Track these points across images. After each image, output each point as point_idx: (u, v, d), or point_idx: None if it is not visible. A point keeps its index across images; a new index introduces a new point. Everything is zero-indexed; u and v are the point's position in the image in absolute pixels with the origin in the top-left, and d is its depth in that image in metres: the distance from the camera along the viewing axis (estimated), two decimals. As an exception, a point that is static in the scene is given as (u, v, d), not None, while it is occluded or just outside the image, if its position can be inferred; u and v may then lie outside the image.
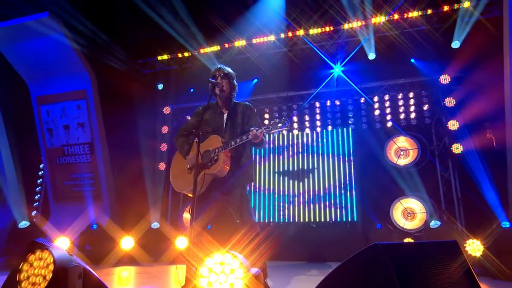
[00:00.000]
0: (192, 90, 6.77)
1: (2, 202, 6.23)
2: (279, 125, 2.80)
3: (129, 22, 6.27)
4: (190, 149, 3.16)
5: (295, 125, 6.21)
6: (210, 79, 3.13)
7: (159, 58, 6.74)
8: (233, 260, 1.59)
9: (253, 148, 3.23)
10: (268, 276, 3.91)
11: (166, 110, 6.60)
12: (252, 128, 2.83)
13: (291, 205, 5.86)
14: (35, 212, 6.38)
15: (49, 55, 6.07)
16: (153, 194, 6.11)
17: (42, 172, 6.76)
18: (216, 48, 6.40)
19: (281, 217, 5.88)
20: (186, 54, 6.54)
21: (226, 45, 6.37)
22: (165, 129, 6.55)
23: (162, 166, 6.40)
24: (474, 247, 4.01)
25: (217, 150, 2.97)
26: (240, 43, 6.27)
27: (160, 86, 6.86)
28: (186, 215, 6.22)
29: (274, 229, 5.67)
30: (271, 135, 6.12)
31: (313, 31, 5.94)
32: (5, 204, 6.22)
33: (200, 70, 6.62)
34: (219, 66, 3.22)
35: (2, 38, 5.89)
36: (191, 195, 3.18)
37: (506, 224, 3.87)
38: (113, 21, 6.13)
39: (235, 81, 3.22)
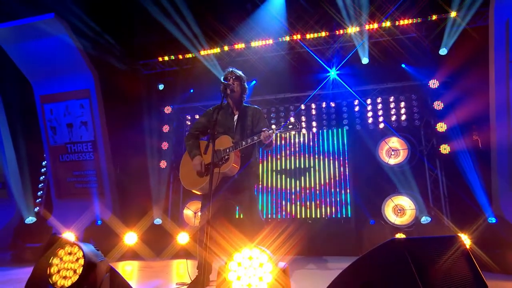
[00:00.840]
0: (192, 90, 6.81)
1: (6, 197, 6.20)
2: (290, 127, 2.89)
3: (132, 23, 6.29)
4: (199, 152, 3.21)
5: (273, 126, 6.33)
6: (223, 81, 3.20)
7: (160, 59, 6.76)
8: (262, 254, 1.67)
9: (260, 148, 3.32)
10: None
11: (167, 109, 6.64)
12: (263, 129, 2.90)
13: (288, 202, 5.98)
14: (37, 208, 6.35)
15: (54, 55, 6.04)
16: (155, 191, 6.15)
17: (45, 169, 6.73)
18: (216, 50, 6.45)
19: (279, 213, 5.99)
20: (187, 56, 6.58)
21: (226, 48, 6.44)
22: (166, 128, 6.58)
23: (163, 164, 6.44)
24: (461, 242, 4.18)
25: (228, 150, 3.03)
26: (239, 46, 6.34)
27: (161, 87, 6.89)
28: (187, 212, 6.28)
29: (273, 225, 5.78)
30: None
31: (310, 35, 6.05)
32: (9, 200, 6.19)
33: (199, 72, 6.67)
34: (231, 69, 3.29)
35: (7, 38, 5.84)
36: (199, 193, 3.27)
37: (492, 220, 4.05)
38: (117, 23, 6.15)
39: (245, 84, 3.30)
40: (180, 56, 6.56)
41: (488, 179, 4.60)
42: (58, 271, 1.92)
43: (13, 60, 6.11)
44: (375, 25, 5.73)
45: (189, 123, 6.88)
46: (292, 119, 2.97)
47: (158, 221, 5.73)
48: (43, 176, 6.71)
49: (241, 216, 3.24)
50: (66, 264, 1.92)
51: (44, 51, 6.00)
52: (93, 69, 6.18)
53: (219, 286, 1.69)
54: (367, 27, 5.75)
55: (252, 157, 3.20)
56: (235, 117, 3.27)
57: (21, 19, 5.57)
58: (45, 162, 6.71)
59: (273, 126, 3.05)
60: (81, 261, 1.88)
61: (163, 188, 6.26)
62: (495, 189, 4.50)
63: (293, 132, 2.95)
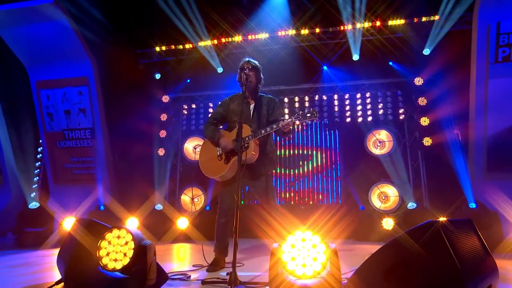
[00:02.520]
0: (188, 80, 6.75)
1: (2, 183, 5.98)
2: (308, 115, 2.97)
3: (131, 12, 6.12)
4: (221, 133, 3.24)
5: (286, 117, 6.43)
6: (241, 71, 3.22)
7: (157, 49, 6.64)
8: (314, 236, 1.78)
9: (277, 137, 3.39)
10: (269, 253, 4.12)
11: (165, 98, 6.57)
12: (282, 118, 2.97)
13: (282, 190, 6.14)
14: (34, 194, 6.17)
15: (51, 40, 5.81)
16: (155, 178, 6.13)
17: (41, 155, 6.52)
18: (213, 41, 6.40)
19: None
20: (183, 46, 6.49)
21: (223, 40, 6.41)
22: (164, 117, 6.52)
23: (161, 151, 6.40)
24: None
25: (247, 138, 3.08)
26: (237, 38, 6.33)
27: (158, 76, 6.78)
28: (184, 197, 6.32)
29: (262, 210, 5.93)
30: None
31: (304, 31, 6.13)
32: (4, 186, 5.98)
33: (195, 62, 6.62)
34: (247, 59, 3.29)
35: (1, 22, 5.54)
36: (219, 180, 3.32)
37: (472, 205, 4.38)
38: (116, 11, 5.95)
39: (261, 74, 3.33)
40: (180, 46, 6.47)
41: (465, 169, 4.94)
42: (108, 254, 1.96)
43: (7, 44, 5.81)
44: (366, 24, 5.89)
45: (185, 112, 6.85)
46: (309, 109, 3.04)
47: (159, 206, 5.74)
48: (39, 162, 6.50)
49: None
50: (116, 247, 1.96)
51: (41, 36, 5.76)
52: (92, 56, 6.00)
53: (273, 266, 1.79)
54: (358, 25, 5.90)
55: (268, 145, 3.28)
56: (251, 106, 3.29)
57: (18, 2, 5.29)
58: (41, 148, 6.49)
59: (286, 115, 3.13)
60: (131, 244, 1.93)
61: (162, 175, 6.24)
62: (472, 178, 4.85)
63: (309, 121, 3.03)
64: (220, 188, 3.35)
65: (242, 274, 2.81)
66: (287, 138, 6.21)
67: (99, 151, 6.02)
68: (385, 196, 5.79)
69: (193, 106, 6.81)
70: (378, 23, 5.89)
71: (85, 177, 6.10)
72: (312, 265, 1.74)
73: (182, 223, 5.56)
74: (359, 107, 6.20)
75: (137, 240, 1.94)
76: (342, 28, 5.96)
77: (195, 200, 6.26)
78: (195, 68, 6.66)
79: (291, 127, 3.02)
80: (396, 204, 5.64)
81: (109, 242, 1.98)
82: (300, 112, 3.04)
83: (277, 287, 1.74)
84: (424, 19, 5.60)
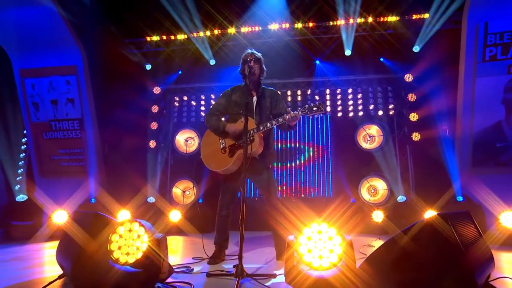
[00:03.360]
0: (180, 72, 6.63)
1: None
2: (314, 109, 2.97)
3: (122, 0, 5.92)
4: (225, 126, 3.18)
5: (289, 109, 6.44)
6: (245, 63, 3.17)
7: (148, 39, 6.48)
8: (330, 228, 1.80)
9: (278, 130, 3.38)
10: (265, 245, 4.14)
11: (156, 90, 6.43)
12: (290, 111, 2.96)
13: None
14: (18, 186, 5.94)
15: (36, 26, 5.56)
16: (145, 171, 6.02)
17: (26, 146, 6.26)
18: (206, 33, 6.30)
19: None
20: (179, 37, 6.36)
21: (216, 32, 6.32)
22: (155, 109, 6.39)
23: (152, 143, 6.28)
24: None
25: (252, 131, 3.05)
26: (230, 30, 6.25)
27: (148, 67, 6.62)
28: (175, 190, 6.25)
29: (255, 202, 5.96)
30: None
31: (298, 25, 6.12)
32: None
33: (187, 53, 6.51)
34: (251, 51, 3.25)
35: (-17, 5, 5.24)
36: (222, 173, 3.28)
37: (459, 198, 4.55)
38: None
39: (264, 66, 3.30)
40: (172, 37, 6.33)
41: (452, 164, 5.11)
42: (119, 248, 1.91)
43: (-11, 29, 5.51)
44: (359, 20, 5.94)
45: (177, 104, 6.73)
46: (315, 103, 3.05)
47: (151, 199, 5.65)
48: (23, 154, 6.25)
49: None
50: (127, 240, 1.91)
51: (25, 21, 5.49)
52: (80, 44, 5.78)
53: (289, 259, 1.80)
54: (351, 20, 5.94)
55: (270, 138, 3.27)
56: (254, 99, 3.26)
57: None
58: (25, 139, 6.23)
59: (294, 109, 3.12)
60: (144, 238, 1.89)
61: (154, 167, 6.14)
62: (459, 172, 5.02)
63: (316, 115, 3.03)
64: (222, 181, 3.32)
65: (245, 266, 2.81)
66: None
67: (88, 142, 5.85)
68: (374, 189, 5.92)
69: (185, 98, 6.70)
70: (370, 19, 5.95)
71: (74, 169, 5.92)
72: (328, 256, 1.76)
73: (175, 216, 5.51)
74: (351, 102, 6.28)
75: (150, 233, 1.90)
76: (335, 23, 5.99)
77: (186, 192, 6.20)
78: (187, 59, 6.55)
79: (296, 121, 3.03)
80: (384, 197, 5.78)
81: (121, 236, 1.93)
82: (306, 105, 3.05)
83: (294, 278, 1.74)
84: (415, 16, 5.70)
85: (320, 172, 6.15)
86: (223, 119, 3.37)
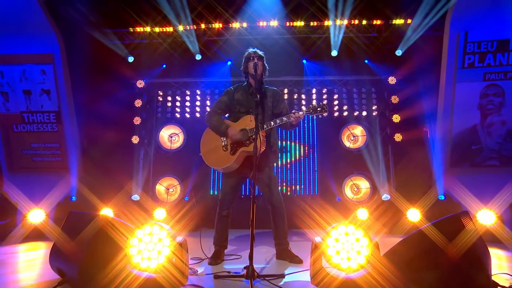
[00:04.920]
0: (164, 66, 6.41)
1: None
2: (318, 109, 3.00)
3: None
4: (227, 124, 3.13)
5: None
6: (248, 61, 3.15)
7: (131, 30, 6.19)
8: (357, 230, 1.81)
9: (278, 129, 3.37)
10: (258, 243, 4.13)
11: (140, 83, 6.17)
12: (294, 111, 2.97)
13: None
14: (-16, 182, 5.47)
15: (8, 9, 5.12)
16: (128, 167, 5.78)
17: (-7, 139, 5.77)
18: (193, 27, 6.12)
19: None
20: (164, 29, 6.13)
21: (203, 26, 6.17)
22: (138, 103, 6.13)
23: (135, 139, 6.03)
24: (414, 215, 4.88)
25: (255, 130, 3.02)
26: (217, 25, 6.13)
27: (131, 59, 6.33)
28: (159, 187, 6.06)
29: (246, 201, 5.93)
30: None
31: (287, 23, 6.13)
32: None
33: (173, 47, 6.30)
34: (254, 49, 3.26)
35: None
36: (222, 171, 3.23)
37: (441, 197, 4.80)
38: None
39: (266, 64, 3.29)
40: (157, 29, 6.08)
41: (433, 164, 5.38)
42: (139, 252, 1.81)
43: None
44: (346, 21, 6.04)
45: (161, 99, 6.51)
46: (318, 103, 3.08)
47: (136, 197, 5.43)
48: (-10, 147, 5.75)
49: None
50: (148, 245, 1.81)
51: (-5, 4, 5.03)
52: (58, 32, 5.40)
53: (316, 260, 1.80)
54: (339, 22, 6.04)
55: (272, 137, 3.26)
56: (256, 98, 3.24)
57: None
58: (-7, 131, 5.74)
59: (303, 108, 3.13)
60: (166, 242, 1.80)
61: (137, 163, 5.91)
62: (439, 172, 5.29)
63: (319, 115, 3.07)
64: (223, 180, 3.27)
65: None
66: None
67: (66, 136, 5.51)
68: (357, 187, 6.10)
69: (169, 93, 6.49)
70: (355, 22, 6.07)
71: (50, 165, 5.55)
72: (356, 258, 1.78)
73: (160, 214, 5.35)
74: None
75: (172, 237, 1.81)
76: (323, 23, 6.05)
77: (170, 190, 6.04)
78: (172, 53, 6.34)
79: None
80: (367, 195, 5.98)
81: (140, 240, 1.83)
82: (311, 106, 3.08)
83: (321, 280, 1.75)
84: (399, 22, 5.90)
85: (306, 170, 6.22)
86: (227, 115, 3.33)
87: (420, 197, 5.07)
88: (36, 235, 4.57)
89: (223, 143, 3.14)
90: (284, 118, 3.02)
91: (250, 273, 2.38)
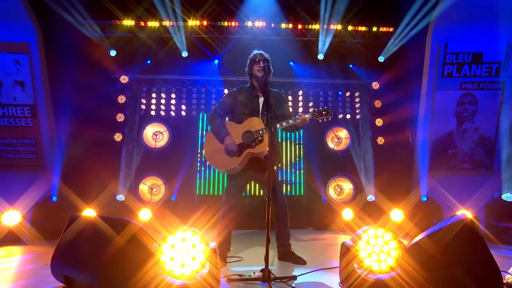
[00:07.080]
0: (149, 61, 6.19)
1: None
2: (324, 113, 3.06)
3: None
4: (227, 131, 3.12)
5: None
6: (254, 63, 3.14)
7: (116, 22, 5.90)
8: (386, 233, 1.87)
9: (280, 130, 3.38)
10: (252, 244, 4.16)
11: (123, 79, 5.91)
12: (300, 113, 3.02)
13: (247, 180, 6.15)
14: None
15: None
16: (110, 166, 5.52)
17: (-43, 133, 5.27)
18: (180, 23, 5.97)
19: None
20: (150, 24, 5.91)
21: (191, 23, 6.03)
22: (122, 99, 5.87)
23: (118, 136, 5.78)
24: (397, 215, 5.13)
25: (261, 132, 3.03)
26: (205, 22, 6.03)
27: (113, 53, 6.04)
28: (142, 187, 5.87)
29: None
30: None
31: (275, 25, 6.16)
32: None
33: (158, 42, 6.11)
34: (260, 51, 3.25)
35: None
36: (227, 173, 3.19)
37: (424, 198, 5.08)
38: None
39: (271, 67, 3.29)
40: (142, 23, 5.86)
41: (414, 167, 5.68)
42: (172, 259, 1.74)
43: None
44: (332, 26, 6.20)
45: (144, 96, 6.28)
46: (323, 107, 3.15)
47: (120, 197, 5.20)
48: (-46, 142, 5.25)
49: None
50: (181, 251, 1.75)
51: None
52: (35, 20, 5.04)
53: (348, 263, 1.84)
54: (325, 26, 6.17)
55: (275, 139, 3.28)
56: (260, 100, 3.25)
57: None
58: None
59: (310, 110, 3.17)
60: (200, 248, 1.75)
61: (119, 162, 5.67)
62: (419, 175, 5.60)
63: (325, 119, 3.15)
64: (228, 182, 3.24)
65: (253, 268, 2.81)
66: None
67: (42, 132, 5.16)
68: (340, 188, 6.29)
69: (154, 89, 6.28)
70: (339, 27, 6.23)
71: (23, 162, 5.17)
72: (386, 260, 1.85)
73: (145, 214, 5.19)
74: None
75: (206, 242, 1.77)
76: (312, 26, 6.16)
77: (154, 190, 5.86)
78: (157, 49, 6.14)
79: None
80: (350, 196, 6.19)
81: (172, 246, 1.76)
82: (316, 109, 3.14)
83: (352, 283, 1.80)
84: (383, 29, 6.15)
85: (292, 171, 6.31)
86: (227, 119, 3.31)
87: (403, 198, 5.33)
88: (10, 238, 4.24)
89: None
90: (291, 121, 3.06)
91: (267, 276, 2.39)
